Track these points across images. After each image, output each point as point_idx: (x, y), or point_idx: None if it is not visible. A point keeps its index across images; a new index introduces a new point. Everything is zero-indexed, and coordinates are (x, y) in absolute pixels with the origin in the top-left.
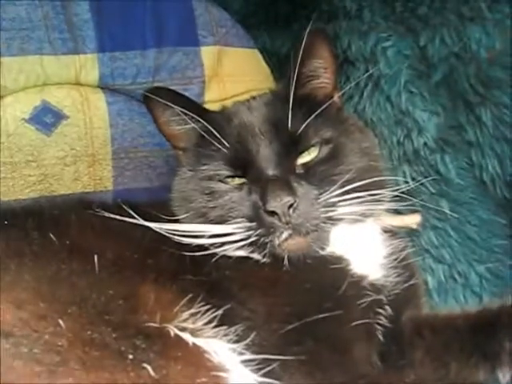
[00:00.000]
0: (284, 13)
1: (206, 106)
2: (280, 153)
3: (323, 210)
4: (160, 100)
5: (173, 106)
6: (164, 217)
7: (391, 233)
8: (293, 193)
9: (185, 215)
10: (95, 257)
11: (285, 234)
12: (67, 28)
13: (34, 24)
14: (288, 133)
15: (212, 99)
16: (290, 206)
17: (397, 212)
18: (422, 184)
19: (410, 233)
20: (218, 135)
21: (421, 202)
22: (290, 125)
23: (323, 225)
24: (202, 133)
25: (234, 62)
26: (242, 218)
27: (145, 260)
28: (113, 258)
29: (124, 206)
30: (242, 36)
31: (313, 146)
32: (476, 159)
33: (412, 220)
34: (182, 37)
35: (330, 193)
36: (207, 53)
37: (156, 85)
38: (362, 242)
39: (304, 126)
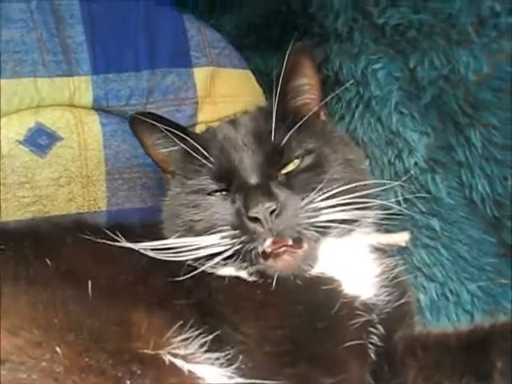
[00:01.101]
0: (276, 35)
1: (199, 126)
2: (263, 163)
3: (306, 215)
4: (144, 124)
5: (158, 125)
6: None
7: (381, 251)
8: (274, 198)
9: (173, 233)
10: (89, 282)
11: (268, 241)
12: (61, 50)
13: (28, 47)
14: (271, 145)
15: (205, 120)
16: (272, 211)
17: (386, 230)
18: (413, 203)
19: (402, 251)
20: (202, 150)
21: (412, 221)
22: (273, 137)
23: (307, 232)
24: (188, 149)
25: (226, 83)
26: (226, 226)
27: (138, 285)
28: (107, 283)
29: (113, 231)
30: (235, 57)
31: (296, 157)
32: (466, 179)
33: (401, 238)
34: (175, 58)
35: (313, 198)
36: (200, 74)
37: (141, 109)
38: (353, 261)
39: (287, 138)
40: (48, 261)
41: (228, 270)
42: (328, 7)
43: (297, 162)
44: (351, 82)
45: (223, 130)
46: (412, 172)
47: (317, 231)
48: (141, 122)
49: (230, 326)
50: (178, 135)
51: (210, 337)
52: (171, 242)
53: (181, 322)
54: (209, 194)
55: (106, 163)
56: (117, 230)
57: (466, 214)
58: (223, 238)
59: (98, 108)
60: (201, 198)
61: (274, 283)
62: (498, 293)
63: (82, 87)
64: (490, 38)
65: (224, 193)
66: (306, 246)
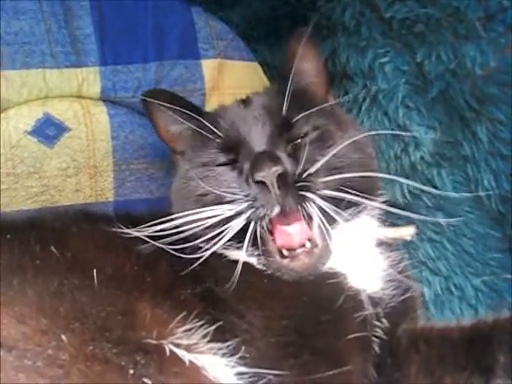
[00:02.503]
0: (284, 27)
1: None
2: (271, 134)
3: (310, 185)
4: (157, 101)
5: (169, 106)
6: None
7: (387, 245)
8: (280, 163)
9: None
10: (95, 272)
11: (276, 209)
12: (70, 42)
13: (37, 38)
14: (281, 119)
15: None
16: (278, 176)
17: (392, 224)
18: (418, 197)
19: (408, 245)
20: (210, 126)
21: (417, 215)
22: (284, 112)
23: (311, 203)
24: (197, 128)
25: (234, 75)
26: (235, 194)
27: (143, 275)
28: (112, 273)
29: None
30: (243, 49)
31: (305, 134)
32: (472, 174)
33: (406, 232)
34: (183, 50)
35: (317, 170)
36: (208, 66)
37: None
38: (360, 255)
39: (298, 115)
40: (54, 250)
41: (238, 254)
42: (336, 0)
43: (304, 137)
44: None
45: (234, 106)
46: (418, 166)
47: (321, 205)
48: (153, 99)
49: (235, 315)
50: (190, 112)
51: (213, 327)
52: (181, 220)
53: (184, 313)
54: (217, 165)
55: (113, 154)
56: (124, 219)
57: (471, 208)
58: (233, 205)
59: (106, 99)
60: (209, 170)
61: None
62: (502, 287)
63: (90, 78)
64: (497, 32)
65: (232, 165)
66: (320, 243)
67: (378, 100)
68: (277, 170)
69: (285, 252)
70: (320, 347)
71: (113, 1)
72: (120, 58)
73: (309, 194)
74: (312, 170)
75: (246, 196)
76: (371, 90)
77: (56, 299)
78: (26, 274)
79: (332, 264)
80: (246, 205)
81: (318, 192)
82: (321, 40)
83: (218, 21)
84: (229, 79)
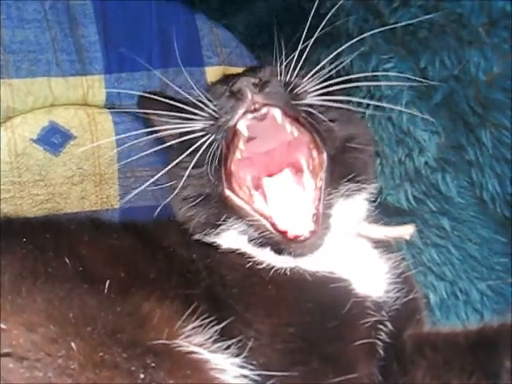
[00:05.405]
0: (287, 34)
1: None
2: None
3: (294, 91)
4: (150, 103)
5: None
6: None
7: (387, 246)
8: (258, 77)
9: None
10: (104, 277)
11: (241, 110)
12: (75, 50)
13: (42, 46)
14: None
15: None
16: (256, 84)
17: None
18: (423, 202)
19: (412, 250)
20: (200, 93)
21: (422, 220)
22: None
23: (294, 103)
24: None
25: None
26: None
27: (150, 278)
28: (121, 278)
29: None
30: (246, 56)
31: None
32: (476, 179)
33: (405, 231)
34: (187, 57)
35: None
36: (212, 73)
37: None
38: (361, 260)
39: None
40: (65, 257)
41: (229, 238)
42: (339, 7)
43: None
44: None
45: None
46: (422, 171)
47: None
48: (147, 102)
49: (242, 322)
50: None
51: (222, 324)
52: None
53: (193, 308)
54: None
55: (118, 161)
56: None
57: (476, 213)
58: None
59: (111, 107)
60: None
61: (287, 270)
62: (507, 292)
63: (95, 86)
64: (500, 38)
65: None
66: (320, 220)
67: (381, 106)
68: (255, 80)
69: (289, 235)
70: (327, 354)
71: (117, 9)
72: (124, 66)
73: (298, 90)
74: (301, 78)
75: (215, 106)
76: (375, 95)
77: (65, 305)
78: (36, 281)
79: (335, 269)
80: (211, 112)
81: (300, 97)
82: (324, 46)
83: (222, 28)
84: None
